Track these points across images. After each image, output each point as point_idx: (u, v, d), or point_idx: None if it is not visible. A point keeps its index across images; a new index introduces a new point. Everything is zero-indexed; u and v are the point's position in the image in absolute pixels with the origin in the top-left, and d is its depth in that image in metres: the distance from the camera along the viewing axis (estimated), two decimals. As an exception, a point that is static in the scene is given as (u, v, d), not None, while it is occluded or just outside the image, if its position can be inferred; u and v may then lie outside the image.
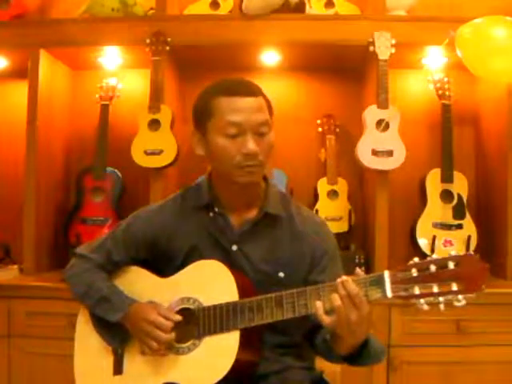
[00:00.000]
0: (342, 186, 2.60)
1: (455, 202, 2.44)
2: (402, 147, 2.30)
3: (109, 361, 1.42)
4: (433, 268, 1.14)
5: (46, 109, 2.51)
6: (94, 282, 1.45)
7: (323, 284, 1.24)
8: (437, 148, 2.51)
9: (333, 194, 2.59)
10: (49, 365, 2.19)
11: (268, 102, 1.40)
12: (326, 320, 1.19)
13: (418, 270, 1.15)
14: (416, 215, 2.47)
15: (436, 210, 2.44)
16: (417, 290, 1.14)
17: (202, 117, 1.38)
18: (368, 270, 2.40)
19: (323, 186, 2.60)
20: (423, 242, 2.41)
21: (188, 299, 1.36)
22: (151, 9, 2.53)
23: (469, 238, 2.38)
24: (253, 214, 1.42)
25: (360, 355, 1.26)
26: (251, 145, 1.31)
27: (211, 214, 1.43)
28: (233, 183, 1.36)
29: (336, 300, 1.18)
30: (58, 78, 2.66)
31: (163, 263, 1.44)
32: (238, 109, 1.32)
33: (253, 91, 1.36)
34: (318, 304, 1.20)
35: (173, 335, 1.32)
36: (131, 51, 2.51)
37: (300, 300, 1.25)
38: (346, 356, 1.27)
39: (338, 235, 2.36)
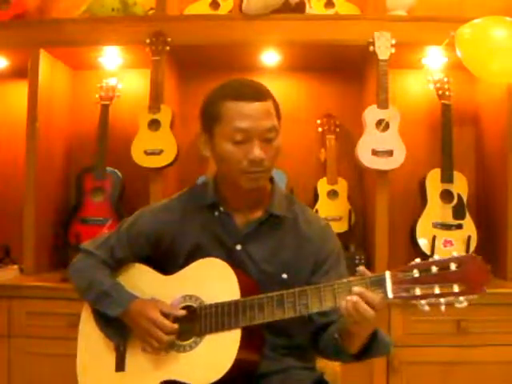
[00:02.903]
0: (342, 186, 2.60)
1: (455, 202, 2.44)
2: (402, 147, 2.30)
3: (111, 357, 1.43)
4: (434, 269, 1.14)
5: (46, 109, 2.51)
6: (95, 278, 1.45)
7: (324, 284, 1.24)
8: (437, 148, 2.50)
9: (333, 194, 2.59)
10: (49, 365, 2.19)
11: (276, 104, 1.39)
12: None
13: (420, 271, 1.15)
14: (416, 215, 2.47)
15: (436, 210, 2.44)
16: (418, 291, 1.14)
17: (208, 120, 1.38)
18: (368, 270, 2.40)
19: (323, 186, 2.60)
20: (423, 242, 2.41)
21: (190, 297, 1.37)
22: (151, 9, 2.53)
23: (469, 238, 2.38)
24: (258, 214, 1.42)
25: (370, 349, 1.27)
26: (257, 152, 1.31)
27: (216, 213, 1.43)
28: (238, 187, 1.37)
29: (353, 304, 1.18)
30: (58, 77, 2.66)
31: (166, 261, 1.44)
32: (245, 115, 1.31)
33: (261, 95, 1.35)
34: (355, 297, 1.18)
35: (173, 336, 1.33)
36: (131, 51, 2.51)
37: (301, 300, 1.25)
38: (356, 353, 1.28)
39: (338, 235, 2.34)
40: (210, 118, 1.37)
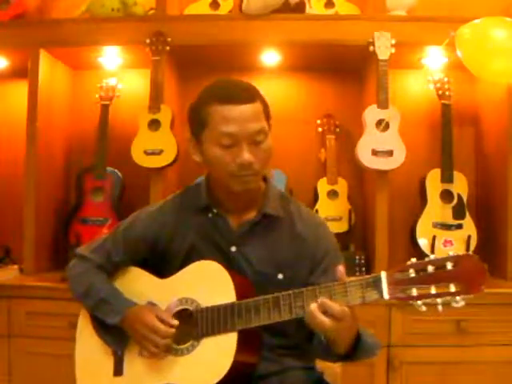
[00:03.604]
0: (342, 185, 2.60)
1: (455, 202, 2.44)
2: (402, 147, 2.30)
3: (109, 362, 1.42)
4: (430, 269, 1.13)
5: (46, 109, 2.51)
6: (92, 284, 1.45)
7: (320, 285, 1.23)
8: (437, 148, 2.50)
9: (333, 194, 2.59)
10: (49, 365, 2.19)
11: (265, 105, 1.36)
12: (326, 322, 1.17)
13: (416, 271, 1.14)
14: (416, 215, 2.47)
15: (436, 209, 2.44)
16: (414, 292, 1.13)
17: (196, 125, 1.36)
18: (368, 270, 2.41)
19: (323, 186, 2.60)
20: (423, 242, 2.41)
21: (186, 300, 1.36)
22: (151, 9, 2.53)
23: (469, 238, 2.38)
24: (252, 215, 1.41)
25: (355, 351, 1.26)
26: (245, 155, 1.29)
27: (210, 215, 1.42)
28: (229, 190, 1.36)
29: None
30: (58, 77, 2.66)
31: (162, 264, 1.44)
32: (231, 119, 1.29)
33: (249, 97, 1.32)
34: (313, 306, 1.18)
35: (169, 340, 1.32)
36: (131, 51, 2.51)
37: (297, 301, 1.23)
38: (343, 354, 1.27)
39: (338, 235, 2.34)
40: (198, 122, 1.35)
